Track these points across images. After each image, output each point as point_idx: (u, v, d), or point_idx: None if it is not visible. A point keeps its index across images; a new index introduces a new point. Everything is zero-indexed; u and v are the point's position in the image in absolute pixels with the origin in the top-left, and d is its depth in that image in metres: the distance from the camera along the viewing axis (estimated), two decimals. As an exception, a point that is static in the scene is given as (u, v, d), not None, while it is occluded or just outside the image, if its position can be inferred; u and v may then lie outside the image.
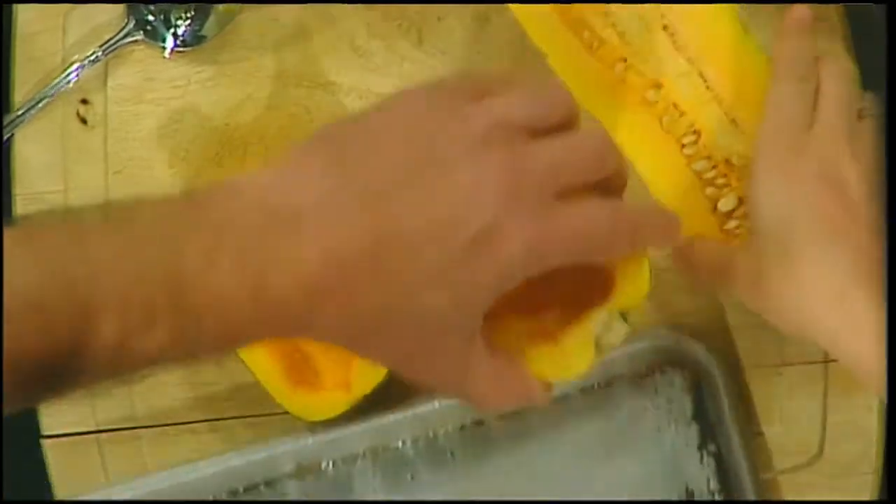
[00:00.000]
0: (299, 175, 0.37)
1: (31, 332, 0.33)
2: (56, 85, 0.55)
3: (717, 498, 0.54)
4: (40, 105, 0.55)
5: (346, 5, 0.56)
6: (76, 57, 0.56)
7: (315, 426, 0.54)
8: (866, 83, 0.55)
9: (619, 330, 0.46)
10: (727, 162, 0.51)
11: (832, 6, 0.56)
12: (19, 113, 0.55)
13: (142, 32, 0.56)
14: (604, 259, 0.42)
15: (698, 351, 0.53)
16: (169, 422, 0.55)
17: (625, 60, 0.52)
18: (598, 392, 0.55)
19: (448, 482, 0.54)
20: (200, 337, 0.35)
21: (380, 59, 0.56)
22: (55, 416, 0.55)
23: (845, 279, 0.44)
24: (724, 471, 0.53)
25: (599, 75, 0.52)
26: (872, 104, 0.49)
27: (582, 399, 0.55)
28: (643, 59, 0.52)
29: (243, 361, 0.53)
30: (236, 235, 0.35)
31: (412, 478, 0.54)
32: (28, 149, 0.56)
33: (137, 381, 0.55)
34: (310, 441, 0.54)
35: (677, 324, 0.54)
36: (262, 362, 0.53)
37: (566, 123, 0.41)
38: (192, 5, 0.56)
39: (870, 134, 0.47)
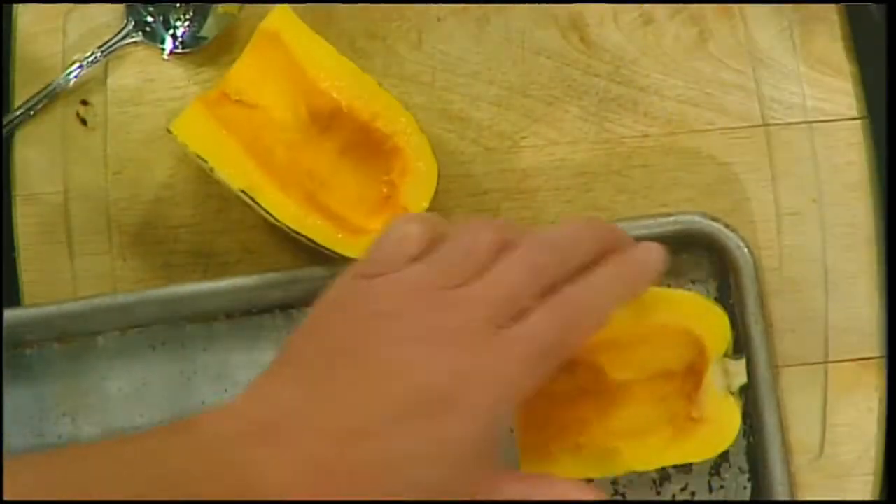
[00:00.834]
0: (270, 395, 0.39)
1: None
2: (56, 86, 0.55)
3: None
4: (40, 106, 0.55)
5: (345, 6, 0.56)
6: (76, 58, 0.56)
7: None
8: (866, 83, 0.55)
9: (737, 366, 0.49)
10: None
11: (832, 6, 0.56)
12: (19, 113, 0.55)
13: (141, 34, 0.56)
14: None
15: (729, 237, 0.52)
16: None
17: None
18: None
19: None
20: None
21: (379, 60, 0.56)
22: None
23: None
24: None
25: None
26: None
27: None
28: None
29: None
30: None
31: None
32: (28, 149, 0.56)
33: None
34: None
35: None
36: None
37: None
38: (191, 6, 0.56)
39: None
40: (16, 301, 0.54)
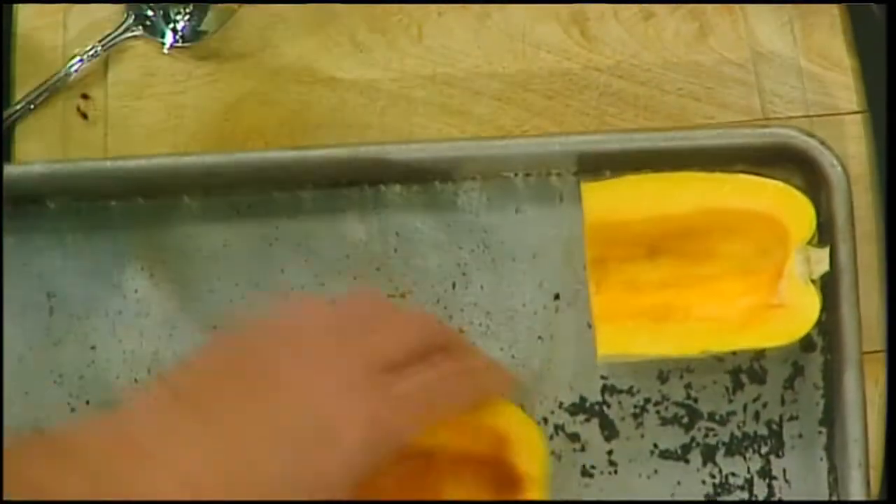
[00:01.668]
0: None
1: None
2: (56, 80, 0.55)
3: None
4: (40, 100, 0.55)
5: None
6: (76, 52, 0.56)
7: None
8: (867, 77, 0.56)
9: (820, 254, 0.48)
10: None
11: (832, 6, 0.56)
12: (19, 107, 0.55)
13: (141, 28, 0.56)
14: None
15: (823, 153, 0.51)
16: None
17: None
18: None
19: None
20: None
21: (380, 55, 0.56)
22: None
23: None
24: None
25: None
26: None
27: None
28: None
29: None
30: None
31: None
32: (28, 143, 0.56)
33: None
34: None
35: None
36: None
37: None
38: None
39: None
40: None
